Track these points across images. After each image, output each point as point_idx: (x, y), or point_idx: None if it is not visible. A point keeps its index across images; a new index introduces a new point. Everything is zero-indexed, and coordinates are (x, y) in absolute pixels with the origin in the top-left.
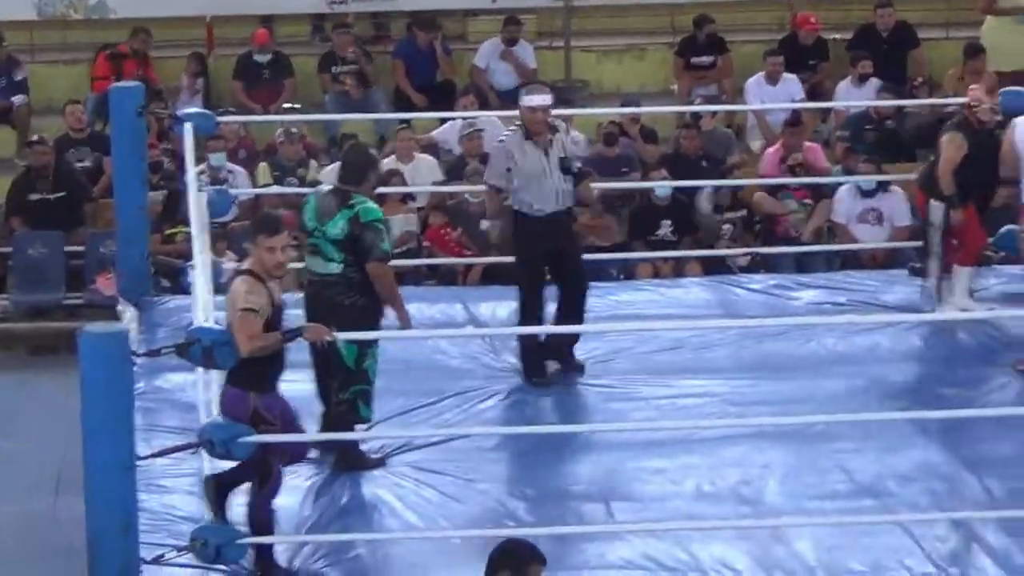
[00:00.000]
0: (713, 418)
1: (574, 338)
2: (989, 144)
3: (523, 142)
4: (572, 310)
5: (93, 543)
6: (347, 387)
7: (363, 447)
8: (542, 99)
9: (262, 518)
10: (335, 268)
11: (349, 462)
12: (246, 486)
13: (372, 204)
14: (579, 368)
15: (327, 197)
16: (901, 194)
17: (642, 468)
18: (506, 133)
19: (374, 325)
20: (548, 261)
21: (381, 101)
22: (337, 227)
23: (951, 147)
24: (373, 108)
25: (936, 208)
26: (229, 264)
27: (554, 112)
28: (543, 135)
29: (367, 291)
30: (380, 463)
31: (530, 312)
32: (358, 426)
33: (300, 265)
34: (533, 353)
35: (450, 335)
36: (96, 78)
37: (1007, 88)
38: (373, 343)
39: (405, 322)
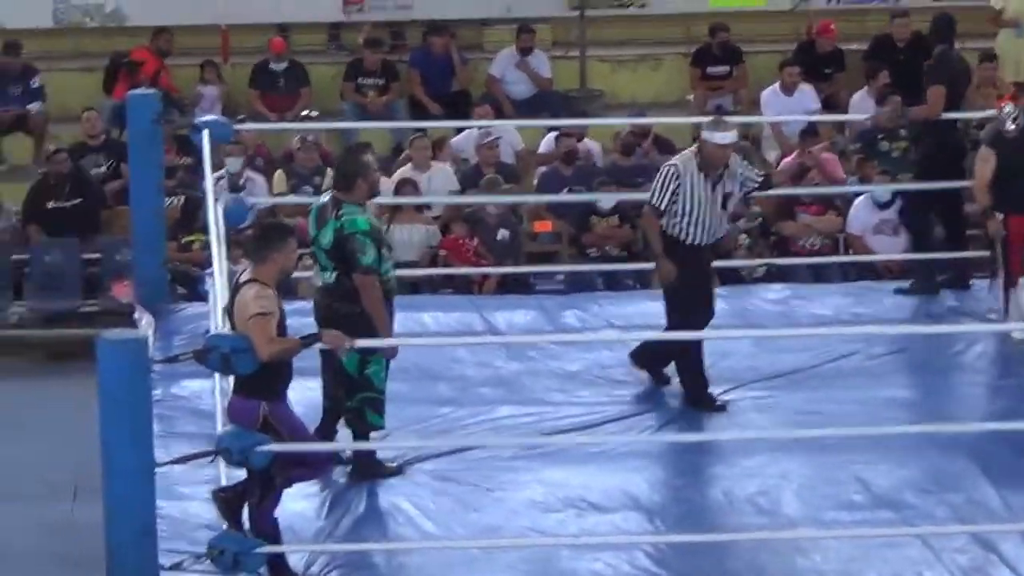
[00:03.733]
0: (732, 428)
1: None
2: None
3: (696, 172)
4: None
5: (112, 549)
6: (353, 395)
7: (379, 455)
8: (729, 136)
9: (265, 529)
10: (329, 277)
11: (365, 471)
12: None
13: (359, 215)
14: (666, 380)
15: (324, 206)
16: None
17: (659, 478)
18: (678, 160)
19: (373, 333)
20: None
21: (399, 110)
22: (327, 237)
23: (979, 162)
24: (391, 117)
25: (992, 221)
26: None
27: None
28: (717, 169)
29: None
30: (397, 471)
31: (692, 342)
32: (373, 434)
33: (308, 274)
34: (701, 378)
35: (469, 343)
36: (112, 84)
37: None
38: (376, 350)
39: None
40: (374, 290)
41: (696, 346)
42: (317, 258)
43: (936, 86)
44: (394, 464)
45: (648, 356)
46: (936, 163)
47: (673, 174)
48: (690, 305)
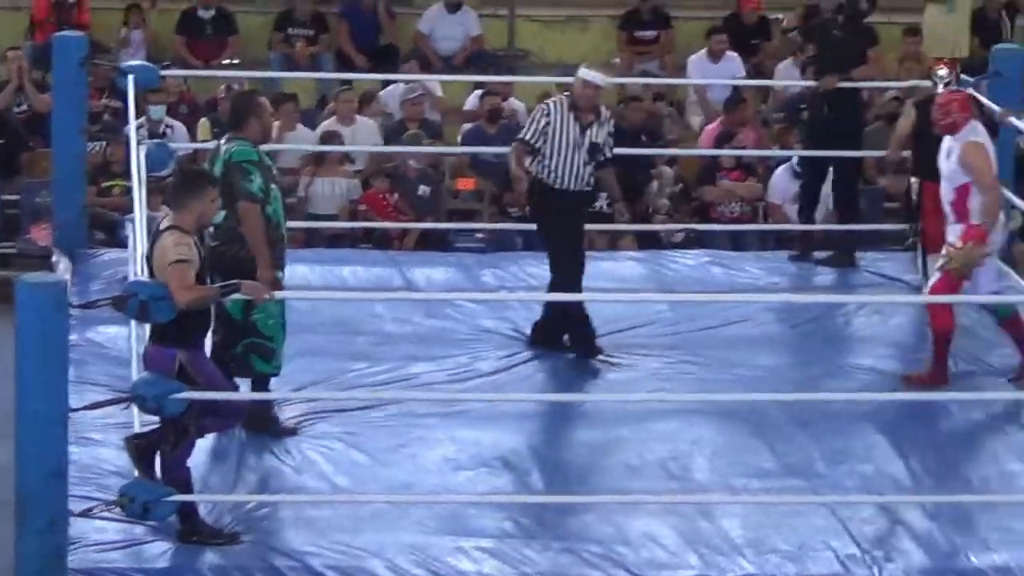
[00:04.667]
0: (646, 392)
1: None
2: None
3: (567, 112)
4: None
5: (22, 493)
6: (236, 341)
7: (278, 411)
8: (599, 78)
9: (178, 477)
10: (218, 217)
11: (256, 424)
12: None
13: (247, 146)
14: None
15: (218, 145)
16: None
17: (571, 439)
18: (551, 101)
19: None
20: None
21: (327, 63)
22: (217, 170)
23: (901, 117)
24: (318, 69)
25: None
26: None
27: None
28: (587, 114)
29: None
30: (292, 432)
31: (572, 280)
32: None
33: None
34: (585, 327)
35: (386, 298)
36: (36, 24)
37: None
38: None
39: (264, 275)
40: (257, 219)
41: (574, 287)
42: None
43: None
44: (291, 423)
45: (541, 335)
46: (825, 132)
47: (544, 111)
48: (569, 258)
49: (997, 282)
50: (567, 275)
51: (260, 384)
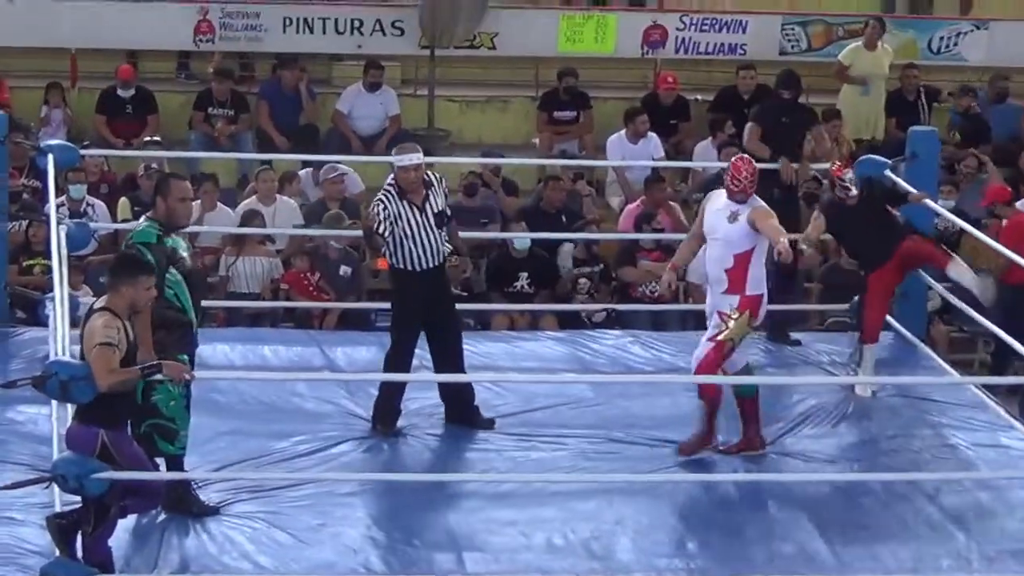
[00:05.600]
0: (566, 472)
1: (471, 396)
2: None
3: (400, 201)
4: (451, 360)
5: None
6: (140, 422)
7: (199, 491)
8: (413, 158)
9: (99, 557)
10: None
11: (176, 504)
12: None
13: (152, 228)
14: (489, 425)
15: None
16: None
17: (494, 519)
18: (383, 193)
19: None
20: (424, 314)
21: (247, 142)
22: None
23: (812, 221)
24: (238, 148)
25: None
26: (85, 298)
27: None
28: (418, 193)
29: None
30: (213, 511)
31: (399, 363)
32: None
33: None
34: (389, 403)
35: (306, 378)
36: None
37: (864, 156)
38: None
39: (174, 372)
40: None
41: (398, 370)
42: None
43: (751, 124)
44: (213, 503)
45: (456, 409)
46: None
47: (380, 205)
48: (399, 336)
49: (747, 353)
50: (397, 358)
51: (174, 464)
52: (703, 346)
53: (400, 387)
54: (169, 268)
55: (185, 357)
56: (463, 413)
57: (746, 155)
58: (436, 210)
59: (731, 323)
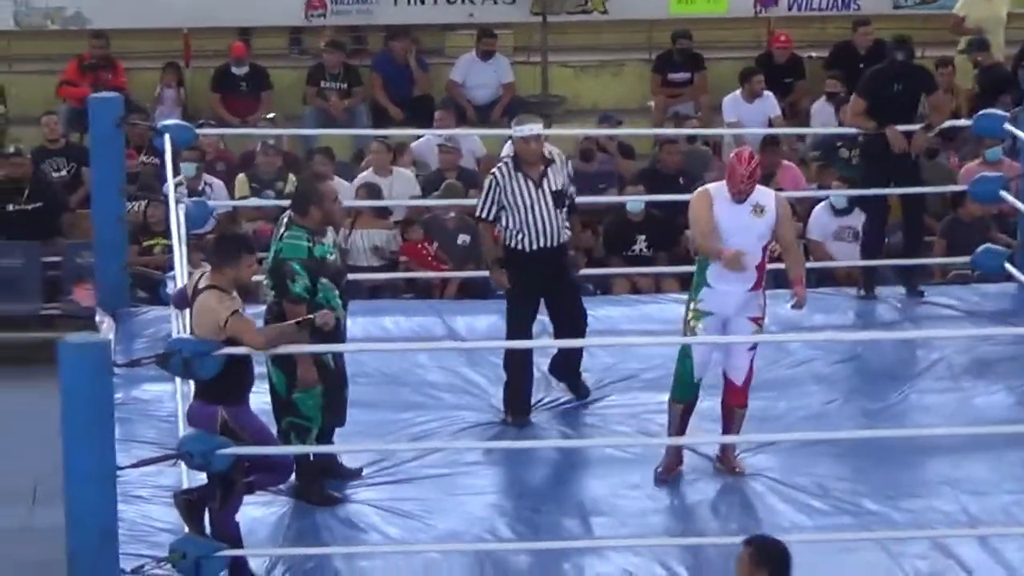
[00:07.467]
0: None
1: (577, 362)
2: None
3: (514, 174)
4: (571, 350)
5: (73, 554)
6: (281, 416)
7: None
8: (532, 128)
9: (227, 534)
10: (270, 296)
11: (301, 492)
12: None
13: (303, 241)
14: (586, 392)
15: (280, 222)
16: None
17: (621, 483)
18: (499, 165)
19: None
20: (542, 298)
21: (362, 115)
22: (269, 255)
23: None
24: (353, 121)
25: None
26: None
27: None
28: (536, 166)
29: None
30: (336, 501)
31: (517, 355)
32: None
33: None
34: (518, 392)
35: (429, 347)
36: (66, 83)
37: (983, 111)
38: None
39: (305, 378)
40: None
41: (520, 361)
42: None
43: (855, 97)
44: (336, 494)
45: (560, 368)
46: (875, 173)
47: (492, 182)
48: (514, 317)
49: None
50: (514, 337)
51: (301, 462)
52: (744, 356)
53: (528, 376)
54: (319, 279)
55: (330, 357)
56: (566, 376)
57: (744, 151)
58: (555, 188)
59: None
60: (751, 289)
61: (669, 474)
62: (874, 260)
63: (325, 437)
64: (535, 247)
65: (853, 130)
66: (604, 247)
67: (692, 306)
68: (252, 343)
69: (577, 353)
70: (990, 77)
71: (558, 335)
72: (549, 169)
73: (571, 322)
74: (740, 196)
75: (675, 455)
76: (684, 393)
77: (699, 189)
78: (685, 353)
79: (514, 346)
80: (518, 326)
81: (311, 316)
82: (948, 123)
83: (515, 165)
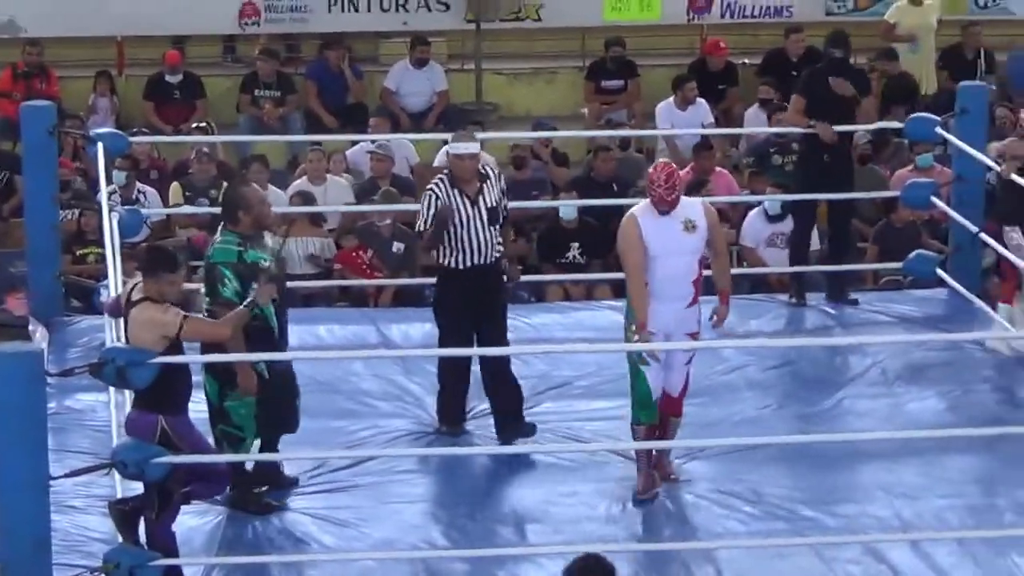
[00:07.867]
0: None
1: (519, 404)
2: None
3: (451, 190)
4: (498, 377)
5: (6, 564)
6: (214, 424)
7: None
8: (469, 147)
9: (161, 542)
10: (206, 303)
11: (238, 500)
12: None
13: (230, 245)
14: (531, 431)
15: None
16: None
17: (555, 491)
18: (434, 182)
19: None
20: (468, 317)
21: (296, 122)
22: (205, 262)
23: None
24: (287, 129)
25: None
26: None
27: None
28: (472, 183)
29: None
30: (273, 509)
31: (452, 371)
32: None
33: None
34: (454, 402)
35: (362, 356)
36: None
37: (913, 115)
38: (233, 385)
39: (244, 386)
40: (227, 323)
41: (455, 375)
42: None
43: (794, 96)
44: (274, 503)
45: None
46: (809, 179)
47: (432, 196)
48: (450, 332)
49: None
50: (449, 366)
51: (235, 471)
52: (682, 371)
53: (463, 385)
54: (252, 284)
55: (263, 366)
56: (511, 424)
57: (661, 161)
58: (490, 205)
59: None
60: (688, 306)
61: (647, 494)
62: (802, 267)
63: (270, 446)
64: (469, 264)
65: (788, 130)
66: (538, 255)
67: (632, 326)
68: (219, 336)
69: (506, 392)
70: (892, 87)
71: (485, 376)
72: (484, 185)
73: (497, 360)
74: (665, 207)
75: (648, 474)
76: (648, 415)
77: (625, 216)
78: (639, 376)
79: (447, 354)
80: (455, 339)
81: (252, 298)
82: (877, 125)
83: (451, 181)
